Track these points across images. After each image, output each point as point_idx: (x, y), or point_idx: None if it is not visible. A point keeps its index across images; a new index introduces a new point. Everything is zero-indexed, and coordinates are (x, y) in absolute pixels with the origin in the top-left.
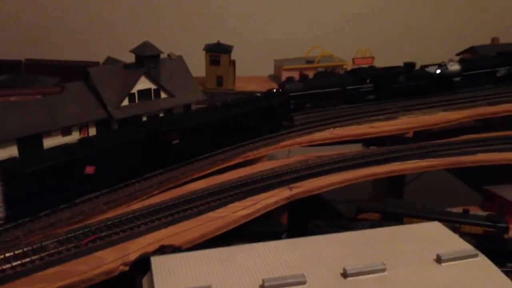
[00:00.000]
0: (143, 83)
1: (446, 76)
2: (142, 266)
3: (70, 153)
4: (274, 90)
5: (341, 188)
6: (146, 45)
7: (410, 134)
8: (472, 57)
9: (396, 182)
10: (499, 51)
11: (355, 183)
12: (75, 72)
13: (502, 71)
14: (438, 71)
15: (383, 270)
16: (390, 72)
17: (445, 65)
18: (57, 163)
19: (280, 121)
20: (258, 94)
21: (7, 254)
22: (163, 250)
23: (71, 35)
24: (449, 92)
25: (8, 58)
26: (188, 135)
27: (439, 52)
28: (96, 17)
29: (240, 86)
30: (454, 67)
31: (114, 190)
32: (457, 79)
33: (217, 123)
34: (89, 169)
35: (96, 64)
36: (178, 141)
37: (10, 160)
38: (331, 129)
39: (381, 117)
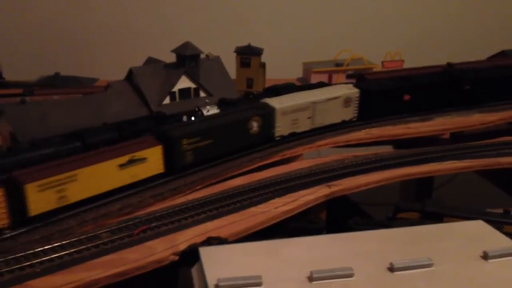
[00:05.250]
0: (184, 82)
1: None
2: (185, 258)
3: (397, 84)
4: None
5: (367, 190)
6: (187, 45)
7: (447, 136)
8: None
9: (424, 187)
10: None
11: (390, 183)
12: None
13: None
14: (193, 119)
15: (430, 265)
16: None
17: (199, 110)
18: (392, 88)
19: None
20: None
21: (63, 242)
22: (210, 241)
23: (110, 38)
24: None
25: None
26: (479, 84)
27: (470, 55)
28: (128, 20)
29: None
30: (213, 111)
31: (160, 185)
32: None
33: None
34: (406, 97)
35: None
36: (469, 87)
37: (362, 85)
38: (367, 129)
39: (416, 118)
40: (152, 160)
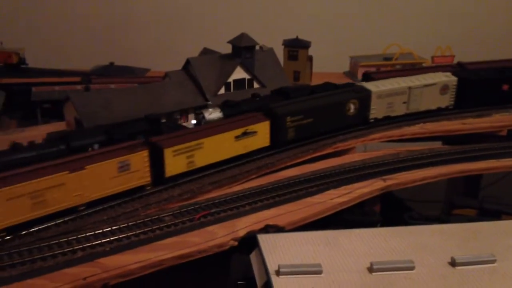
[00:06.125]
0: (239, 73)
1: None
2: (242, 245)
3: (496, 74)
4: None
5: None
6: (243, 36)
7: (504, 132)
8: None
9: (473, 185)
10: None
11: (438, 180)
12: None
13: None
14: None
15: (493, 261)
16: None
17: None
18: (490, 78)
19: None
20: None
21: (130, 223)
22: (267, 229)
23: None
24: None
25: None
26: None
27: None
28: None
29: (316, 82)
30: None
31: (217, 172)
32: None
33: None
34: (505, 87)
35: None
36: None
37: (461, 73)
38: (421, 124)
39: (473, 113)
40: (261, 134)
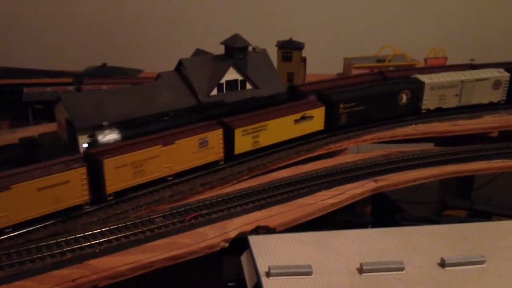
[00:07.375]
0: (231, 74)
1: None
2: (233, 246)
3: None
4: None
5: (402, 188)
6: (236, 37)
7: (495, 134)
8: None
9: (465, 186)
10: None
11: (429, 181)
12: None
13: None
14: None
15: (482, 262)
16: None
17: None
18: None
19: None
20: None
21: (120, 225)
22: (258, 230)
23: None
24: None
25: None
26: None
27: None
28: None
29: None
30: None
31: (208, 173)
32: None
33: None
34: None
35: None
36: None
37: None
38: (413, 125)
39: (463, 115)
40: (316, 119)
